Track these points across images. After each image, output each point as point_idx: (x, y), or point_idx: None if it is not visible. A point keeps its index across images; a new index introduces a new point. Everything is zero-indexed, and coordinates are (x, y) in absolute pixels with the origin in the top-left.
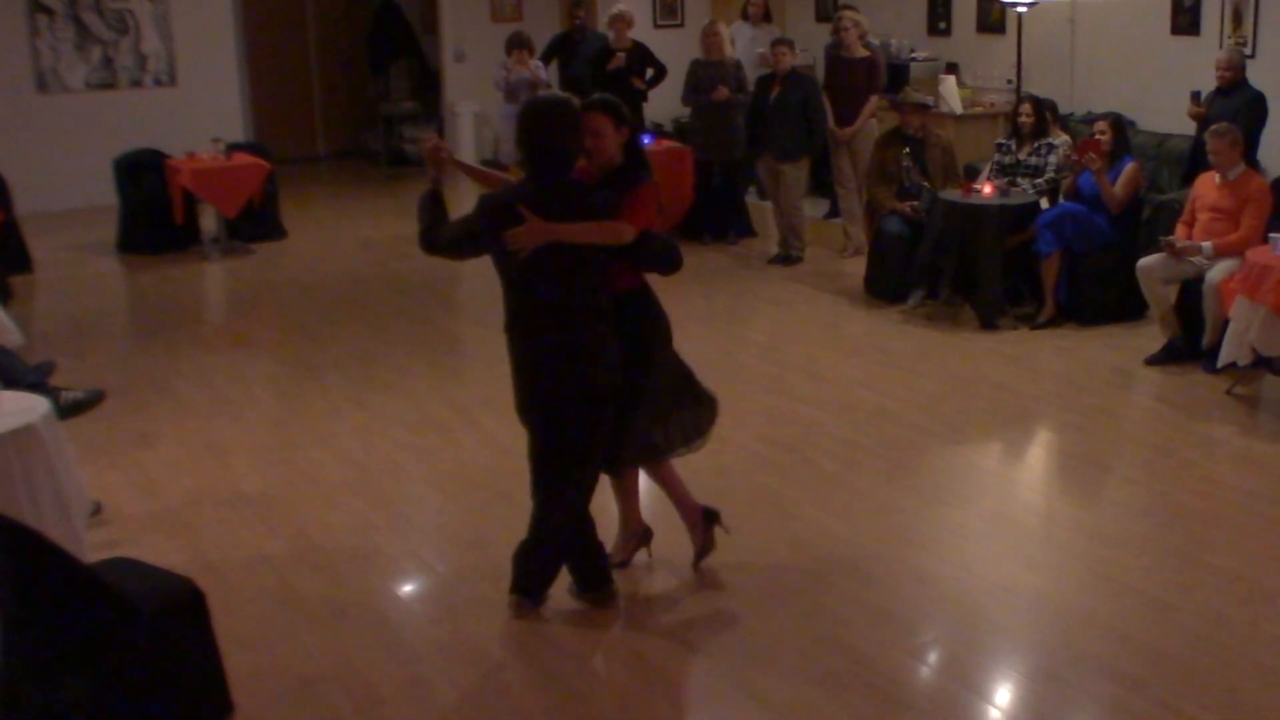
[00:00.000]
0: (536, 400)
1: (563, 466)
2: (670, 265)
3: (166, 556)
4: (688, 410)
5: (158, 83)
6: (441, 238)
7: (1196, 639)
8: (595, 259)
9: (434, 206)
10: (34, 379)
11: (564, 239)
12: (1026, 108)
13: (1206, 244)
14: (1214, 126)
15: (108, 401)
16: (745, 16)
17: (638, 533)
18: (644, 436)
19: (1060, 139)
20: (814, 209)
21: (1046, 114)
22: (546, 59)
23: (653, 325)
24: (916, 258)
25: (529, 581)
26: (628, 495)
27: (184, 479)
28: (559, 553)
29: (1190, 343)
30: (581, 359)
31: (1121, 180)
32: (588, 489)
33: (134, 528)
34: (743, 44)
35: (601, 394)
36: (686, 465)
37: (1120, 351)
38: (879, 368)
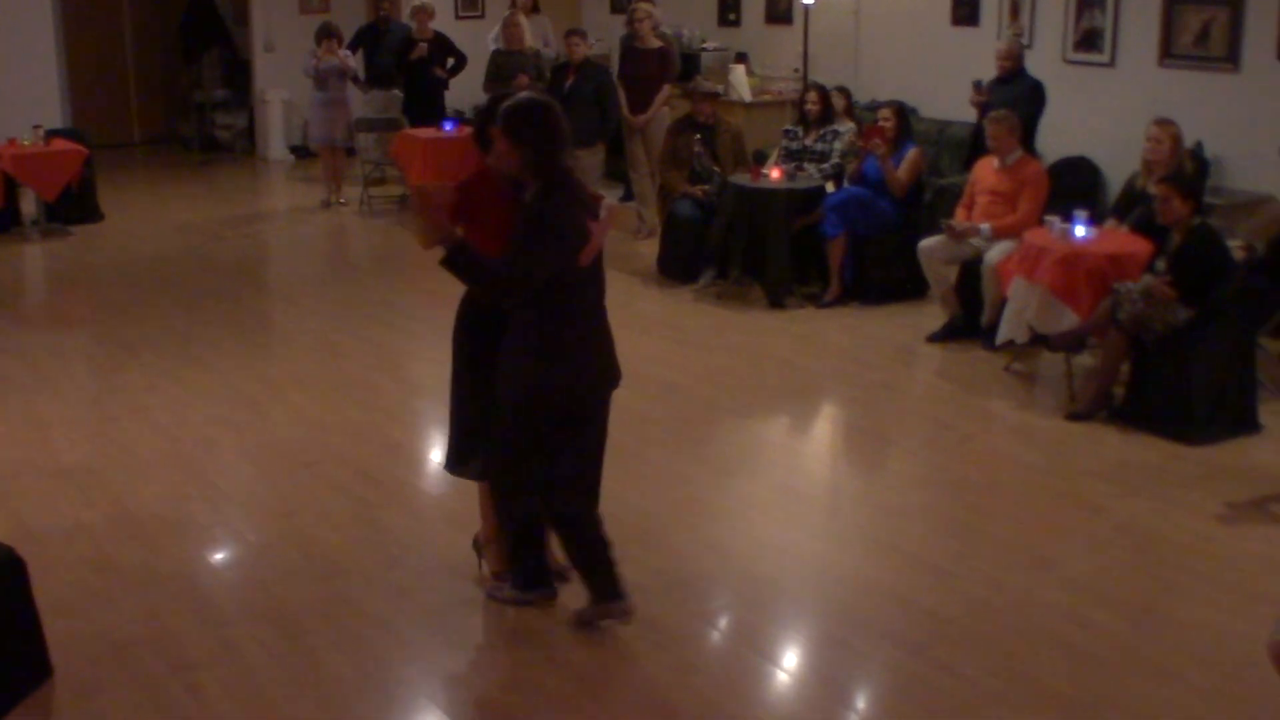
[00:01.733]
0: (601, 395)
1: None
2: None
3: None
4: None
5: None
6: (535, 275)
7: (974, 604)
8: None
9: (472, 254)
10: None
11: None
12: (813, 96)
13: (985, 226)
14: (993, 113)
15: None
16: (536, 9)
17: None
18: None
19: (846, 126)
20: (610, 193)
21: (833, 101)
22: (353, 48)
23: None
24: (707, 239)
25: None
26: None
27: (4, 451)
28: (590, 543)
29: (969, 321)
30: (610, 355)
31: (904, 165)
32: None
33: None
34: (540, 35)
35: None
36: None
37: (903, 329)
38: (672, 345)
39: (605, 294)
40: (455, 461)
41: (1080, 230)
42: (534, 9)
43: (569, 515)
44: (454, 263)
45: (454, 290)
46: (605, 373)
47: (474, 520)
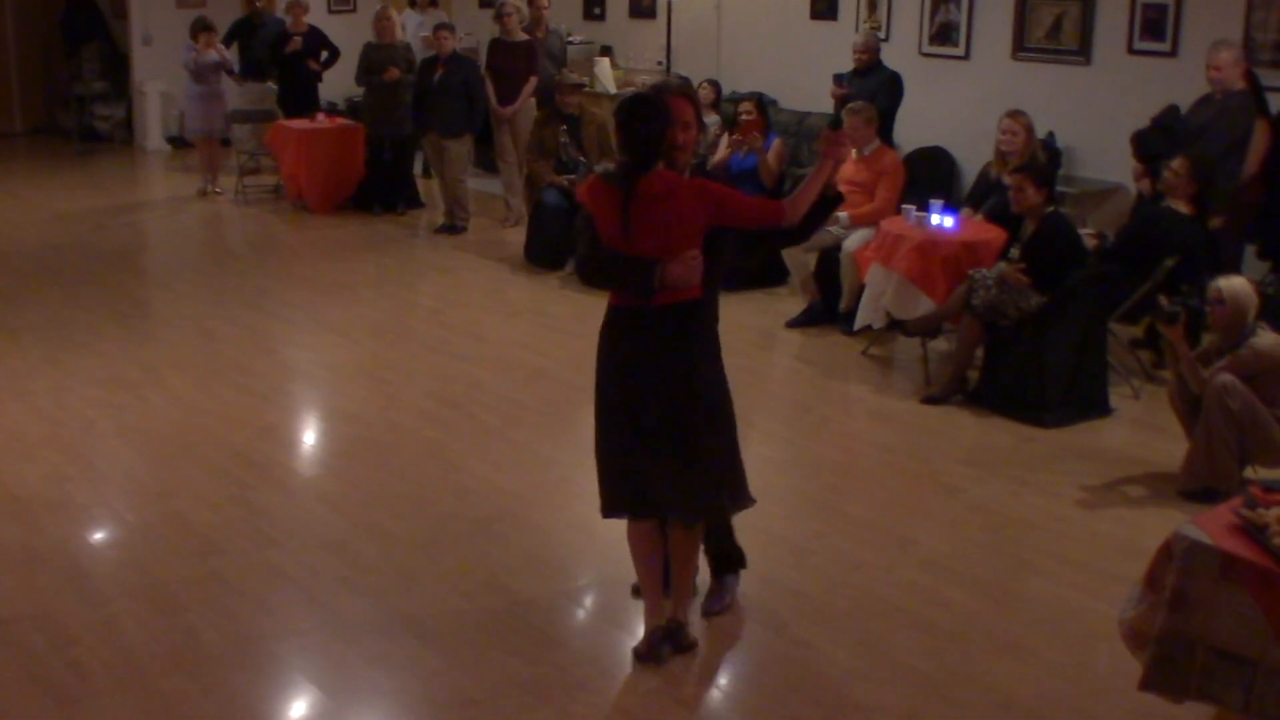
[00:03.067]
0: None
1: None
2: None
3: None
4: None
5: None
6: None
7: (833, 582)
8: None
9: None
10: None
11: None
12: None
13: (843, 215)
14: (850, 104)
15: None
16: (413, 4)
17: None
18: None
19: (711, 118)
20: (477, 183)
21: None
22: (228, 42)
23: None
24: (573, 227)
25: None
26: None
27: None
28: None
29: (828, 307)
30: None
31: (772, 155)
32: None
33: None
34: (411, 29)
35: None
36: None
37: (764, 315)
38: (539, 330)
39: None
40: (730, 500)
41: (945, 219)
42: (431, 3)
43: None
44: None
45: (327, 276)
46: None
47: (348, 501)
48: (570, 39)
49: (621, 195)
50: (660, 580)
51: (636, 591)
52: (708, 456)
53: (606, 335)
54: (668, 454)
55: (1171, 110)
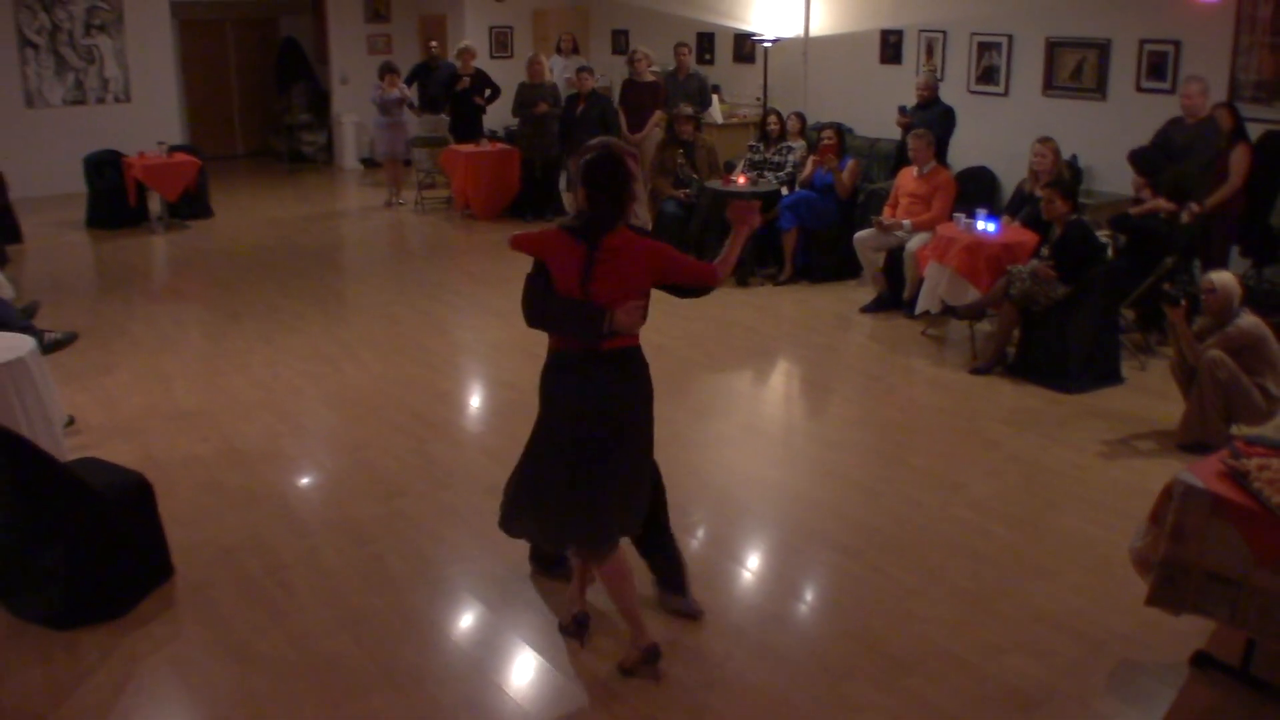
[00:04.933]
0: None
1: None
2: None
3: (123, 457)
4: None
5: (116, 100)
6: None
7: (898, 518)
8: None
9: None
10: (24, 323)
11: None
12: (773, 118)
13: (906, 222)
14: (915, 131)
15: (80, 340)
16: (559, 51)
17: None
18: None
19: (798, 143)
20: None
21: (787, 122)
22: (409, 82)
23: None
24: (689, 232)
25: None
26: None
27: (136, 398)
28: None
29: (893, 296)
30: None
31: (846, 173)
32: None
33: (99, 435)
34: (558, 70)
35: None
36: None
37: (841, 303)
38: (660, 315)
39: None
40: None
41: (989, 225)
42: (574, 50)
43: None
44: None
45: (488, 271)
46: None
47: (505, 451)
48: (715, 86)
49: (585, 247)
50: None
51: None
52: (624, 487)
53: (554, 378)
54: (586, 484)
55: (1162, 133)
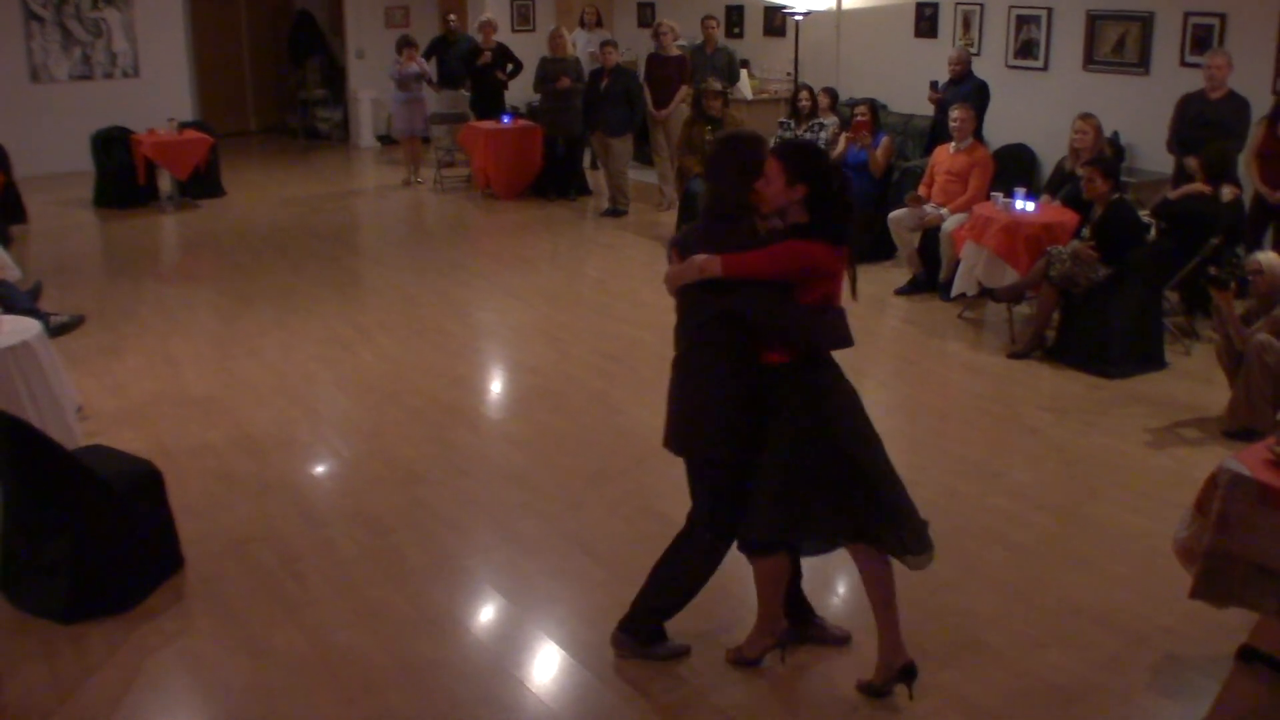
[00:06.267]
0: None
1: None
2: (796, 336)
3: (132, 444)
4: (846, 508)
5: (125, 74)
6: None
7: (933, 508)
8: (697, 306)
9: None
10: (29, 305)
11: (675, 281)
12: (804, 94)
13: (945, 209)
14: (957, 103)
15: (87, 324)
16: (582, 24)
17: (769, 630)
18: (767, 514)
19: (830, 119)
20: (636, 174)
21: (819, 98)
22: (428, 56)
23: (802, 403)
24: None
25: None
26: (760, 583)
27: (146, 383)
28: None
29: (929, 277)
30: (686, 417)
31: (880, 150)
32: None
33: (107, 421)
34: (581, 45)
35: (702, 460)
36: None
37: (876, 284)
38: None
39: (679, 345)
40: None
41: (1028, 205)
42: (597, 24)
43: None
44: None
45: (509, 252)
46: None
47: (527, 439)
48: (744, 60)
49: (847, 252)
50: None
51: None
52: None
53: (825, 373)
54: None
55: (1186, 111)
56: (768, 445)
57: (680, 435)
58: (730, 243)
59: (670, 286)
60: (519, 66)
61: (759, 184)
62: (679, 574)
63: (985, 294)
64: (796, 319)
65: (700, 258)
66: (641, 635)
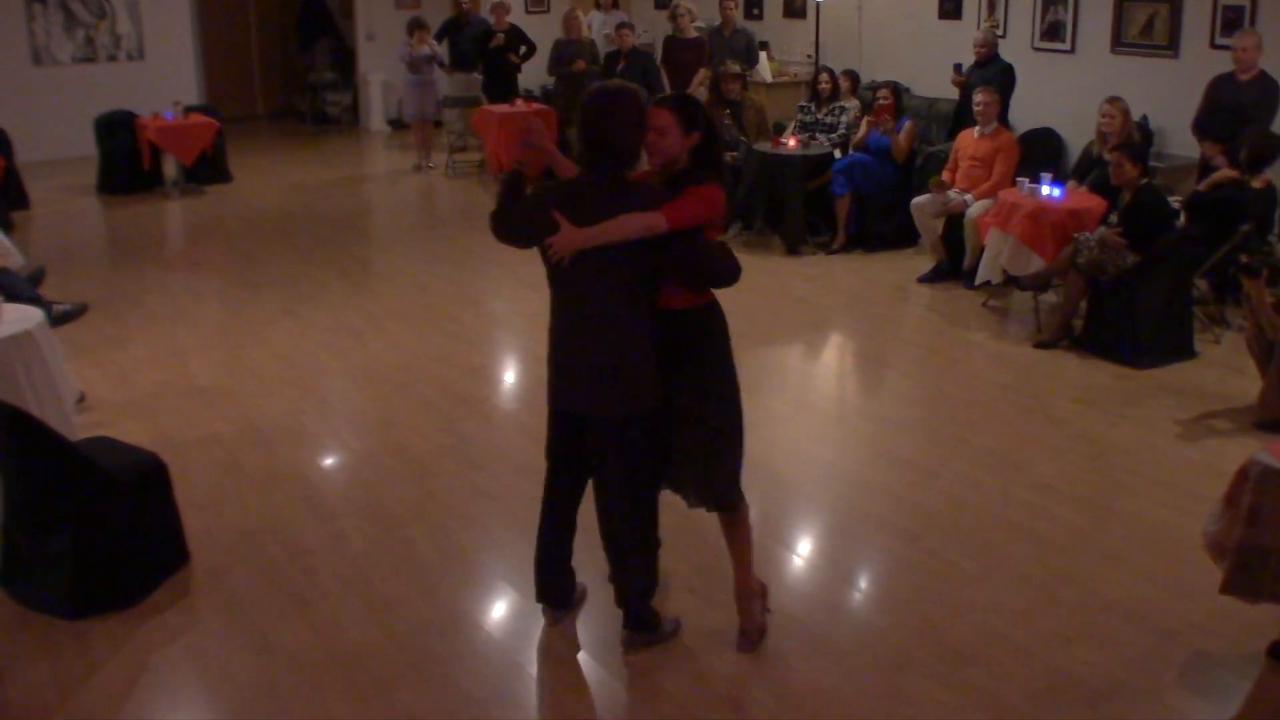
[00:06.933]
0: (563, 414)
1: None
2: (725, 275)
3: (136, 435)
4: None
5: (129, 57)
6: (504, 226)
7: (957, 501)
8: (631, 261)
9: (511, 189)
10: (31, 294)
11: (598, 241)
12: (825, 77)
13: (969, 195)
14: (984, 85)
15: (90, 312)
16: (598, 5)
17: (752, 591)
18: (735, 463)
19: (851, 103)
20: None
21: (840, 81)
22: (440, 38)
23: (722, 345)
24: (735, 197)
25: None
26: (740, 532)
27: (150, 373)
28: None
29: (953, 265)
30: (620, 374)
31: (903, 135)
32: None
33: (111, 412)
34: (596, 26)
35: (631, 416)
36: None
37: (898, 272)
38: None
39: (588, 304)
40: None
41: (1054, 190)
42: (613, 5)
43: None
44: (510, 179)
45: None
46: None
47: (541, 430)
48: (763, 42)
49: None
50: None
51: None
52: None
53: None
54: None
55: (1217, 94)
56: (695, 393)
57: (612, 394)
58: (646, 197)
59: (570, 250)
60: (532, 49)
61: (652, 136)
62: (634, 542)
63: (1010, 282)
64: (731, 259)
65: (641, 216)
66: (643, 624)
